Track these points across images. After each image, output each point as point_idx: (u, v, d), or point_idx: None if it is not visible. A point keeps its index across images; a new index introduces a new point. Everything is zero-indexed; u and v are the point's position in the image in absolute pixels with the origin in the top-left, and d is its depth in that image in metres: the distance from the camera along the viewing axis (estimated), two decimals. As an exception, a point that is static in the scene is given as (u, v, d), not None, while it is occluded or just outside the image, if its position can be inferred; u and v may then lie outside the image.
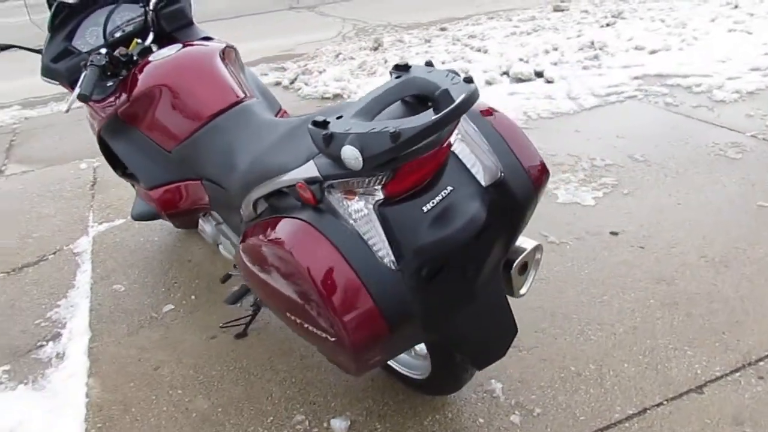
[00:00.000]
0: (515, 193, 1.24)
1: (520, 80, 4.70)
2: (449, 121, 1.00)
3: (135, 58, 1.91)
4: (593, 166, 3.03)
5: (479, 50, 5.68)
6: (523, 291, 1.47)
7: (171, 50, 1.85)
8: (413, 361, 1.68)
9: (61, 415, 1.81)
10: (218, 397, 1.79)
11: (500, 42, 5.93)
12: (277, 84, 5.60)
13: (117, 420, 1.76)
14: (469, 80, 1.06)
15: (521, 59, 5.10)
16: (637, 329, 1.89)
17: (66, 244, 2.85)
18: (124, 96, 1.82)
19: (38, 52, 2.01)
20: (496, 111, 1.32)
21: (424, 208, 1.12)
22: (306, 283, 1.08)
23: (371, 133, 0.98)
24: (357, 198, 1.11)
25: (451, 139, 1.16)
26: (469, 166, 1.20)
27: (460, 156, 1.20)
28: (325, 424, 1.66)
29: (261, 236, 1.20)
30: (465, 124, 1.24)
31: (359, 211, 1.10)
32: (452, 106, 0.98)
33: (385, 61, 5.58)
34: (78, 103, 1.76)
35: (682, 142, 3.23)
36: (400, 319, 1.11)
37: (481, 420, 1.63)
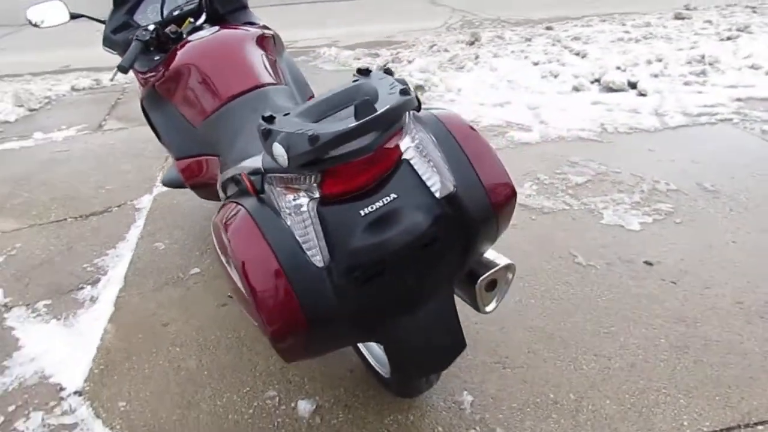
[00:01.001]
0: (469, 209, 1.22)
1: (610, 90, 4.46)
2: (365, 130, 1.01)
3: (184, 36, 2.05)
4: (654, 190, 2.84)
5: (577, 54, 5.44)
6: (489, 308, 1.45)
7: (208, 32, 1.97)
8: (384, 357, 1.70)
9: (77, 351, 2.01)
10: (208, 361, 1.91)
11: (603, 47, 5.64)
12: (367, 70, 5.71)
13: (117, 365, 1.93)
14: (404, 92, 1.05)
15: (618, 68, 4.83)
16: (635, 367, 1.79)
17: (131, 199, 3.11)
18: (162, 70, 1.96)
19: (103, 22, 2.21)
20: (466, 125, 1.29)
21: (362, 212, 1.13)
22: (237, 267, 1.14)
23: (296, 134, 1.01)
24: (298, 194, 1.14)
25: (403, 147, 1.16)
26: (423, 176, 1.20)
27: (415, 166, 1.19)
28: (293, 404, 1.72)
29: (218, 216, 1.27)
30: (424, 134, 1.23)
31: (298, 206, 1.14)
32: (371, 116, 0.99)
33: (476, 57, 5.50)
34: (122, 74, 1.92)
35: (765, 176, 2.94)
36: (321, 316, 1.14)
37: (440, 429, 1.62)
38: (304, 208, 1.13)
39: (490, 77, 4.97)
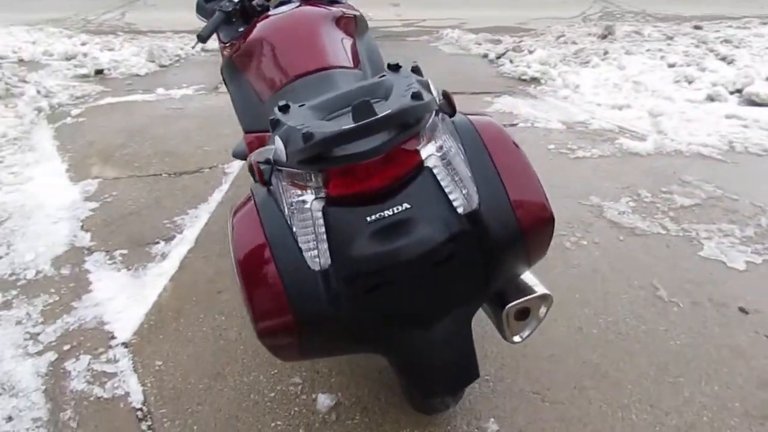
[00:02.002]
0: (493, 229, 1.09)
1: (752, 103, 3.95)
2: (361, 133, 0.92)
3: (270, 9, 2.04)
4: (774, 225, 2.48)
5: (723, 59, 4.88)
6: (516, 339, 1.32)
7: (288, 7, 1.94)
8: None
9: (136, 304, 2.12)
10: (247, 335, 1.93)
11: (755, 53, 5.01)
12: (484, 56, 5.49)
13: (165, 324, 2.00)
14: (416, 95, 0.94)
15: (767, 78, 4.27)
16: (693, 429, 1.56)
17: (222, 162, 3.23)
18: (240, 42, 1.97)
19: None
20: (503, 135, 1.15)
21: (368, 218, 1.05)
22: (234, 256, 1.10)
23: (294, 129, 0.95)
24: (305, 191, 1.08)
25: (425, 154, 1.06)
26: (446, 188, 1.09)
27: (438, 176, 1.09)
28: (314, 396, 1.69)
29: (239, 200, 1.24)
30: (452, 142, 1.11)
31: (301, 204, 1.07)
32: (368, 120, 0.90)
33: (605, 52, 5.10)
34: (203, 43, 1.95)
35: None
36: (312, 320, 1.07)
37: (455, 454, 1.52)
38: (308, 206, 1.06)
39: (614, 76, 4.59)
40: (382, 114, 0.92)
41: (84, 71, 5.31)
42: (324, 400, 1.67)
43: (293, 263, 1.06)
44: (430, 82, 1.08)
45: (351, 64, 1.85)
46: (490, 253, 1.12)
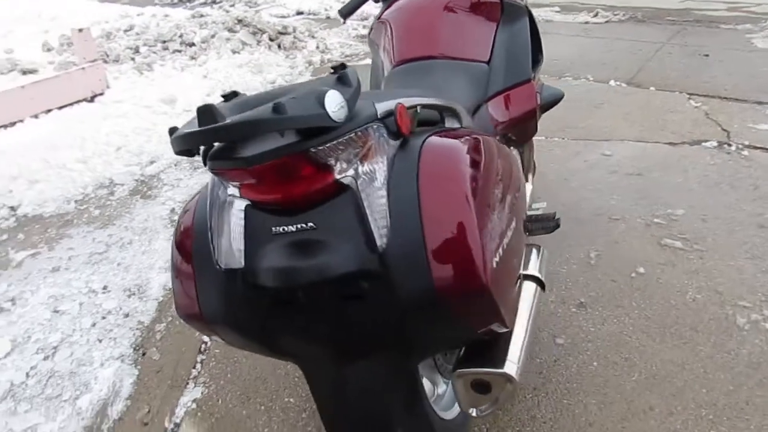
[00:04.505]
0: (400, 283, 0.90)
1: None
2: (190, 140, 0.82)
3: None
4: None
5: None
6: (472, 412, 1.09)
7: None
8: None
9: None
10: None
11: None
12: None
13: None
14: (277, 108, 0.79)
15: None
16: None
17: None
18: (376, 20, 1.93)
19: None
20: (455, 167, 0.91)
21: (273, 230, 0.96)
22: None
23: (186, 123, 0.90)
24: (229, 187, 1.03)
25: (339, 176, 0.91)
26: (369, 217, 0.93)
27: (364, 202, 0.93)
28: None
29: None
30: (383, 168, 0.93)
31: (227, 197, 1.03)
32: (200, 128, 0.80)
33: None
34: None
35: None
36: (216, 318, 1.05)
37: None
38: (230, 202, 1.02)
39: None
40: (220, 124, 0.81)
41: (365, 32, 5.80)
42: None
43: (208, 258, 1.04)
44: (359, 92, 0.91)
45: (471, 56, 1.67)
46: (401, 308, 0.93)
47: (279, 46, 5.03)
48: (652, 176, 2.70)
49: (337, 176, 0.92)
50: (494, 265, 0.91)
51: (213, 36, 5.02)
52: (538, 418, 1.53)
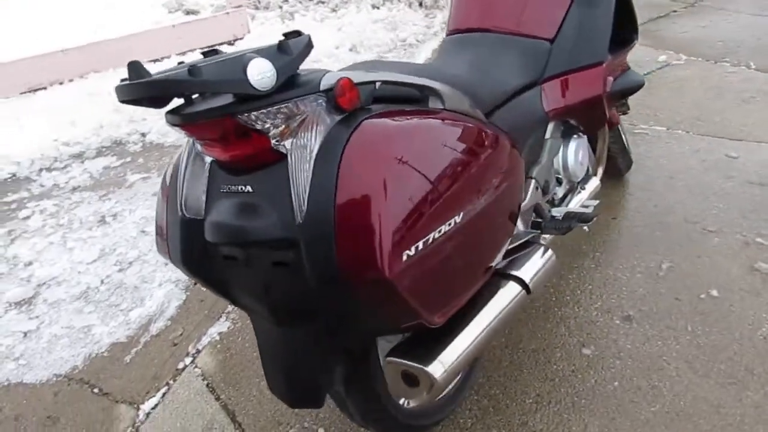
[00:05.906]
0: (309, 258, 0.89)
1: None
2: (118, 93, 0.84)
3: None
4: None
5: None
6: (398, 399, 1.07)
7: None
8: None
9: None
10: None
11: None
12: None
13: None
14: (192, 71, 0.79)
15: None
16: None
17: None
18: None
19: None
20: (385, 146, 0.86)
21: (221, 187, 1.00)
22: None
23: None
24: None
25: (275, 143, 0.91)
26: (293, 188, 0.92)
27: (292, 173, 0.92)
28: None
29: None
30: (315, 142, 0.90)
31: (197, 151, 1.07)
32: (121, 83, 0.83)
33: None
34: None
35: None
36: (178, 261, 1.11)
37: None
38: (197, 155, 1.06)
39: None
40: (135, 81, 0.84)
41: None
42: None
43: (174, 207, 1.09)
44: (299, 61, 0.88)
45: (531, 32, 1.56)
46: (312, 283, 0.92)
47: (420, 4, 4.98)
48: (777, 189, 2.32)
49: (273, 144, 0.92)
50: (406, 257, 0.87)
51: (357, -11, 5.10)
52: (529, 425, 1.44)
